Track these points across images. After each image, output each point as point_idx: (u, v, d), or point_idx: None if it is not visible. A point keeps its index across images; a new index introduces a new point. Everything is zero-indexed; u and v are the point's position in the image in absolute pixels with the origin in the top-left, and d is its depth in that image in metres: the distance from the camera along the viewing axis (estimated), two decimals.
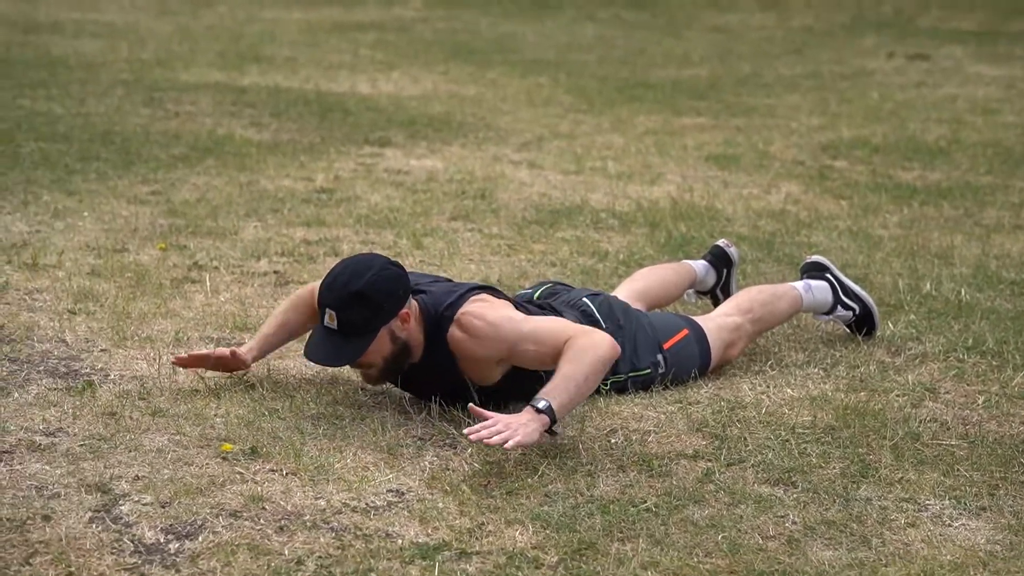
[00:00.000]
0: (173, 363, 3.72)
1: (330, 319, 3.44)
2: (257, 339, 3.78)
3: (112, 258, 4.96)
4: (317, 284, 3.65)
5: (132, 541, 2.84)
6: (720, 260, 4.60)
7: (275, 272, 4.91)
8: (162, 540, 2.85)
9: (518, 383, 3.59)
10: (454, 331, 3.53)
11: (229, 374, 3.75)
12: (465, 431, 3.22)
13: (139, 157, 6.87)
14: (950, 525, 3.07)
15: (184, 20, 13.52)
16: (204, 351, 3.73)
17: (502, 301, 3.65)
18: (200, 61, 10.73)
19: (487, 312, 3.54)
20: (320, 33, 13.08)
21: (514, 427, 3.19)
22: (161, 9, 14.47)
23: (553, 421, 3.27)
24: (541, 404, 3.26)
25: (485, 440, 3.16)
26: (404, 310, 3.49)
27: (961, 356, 4.18)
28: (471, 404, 3.30)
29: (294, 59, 11.18)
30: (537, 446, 3.34)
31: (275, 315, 3.83)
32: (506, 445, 3.15)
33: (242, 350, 3.73)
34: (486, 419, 3.22)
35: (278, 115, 8.37)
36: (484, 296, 3.62)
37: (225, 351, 3.70)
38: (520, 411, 3.27)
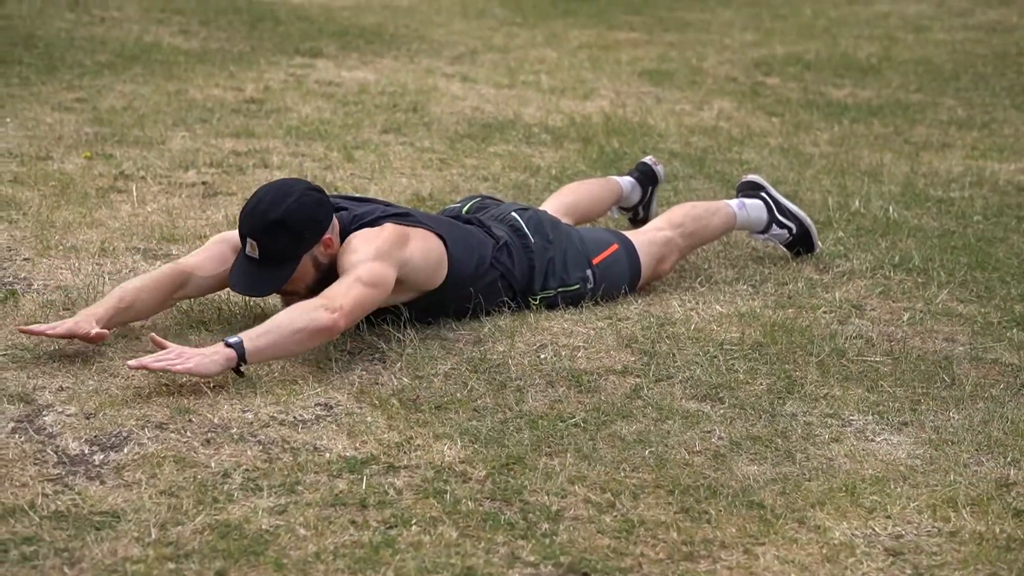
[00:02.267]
0: (20, 331, 3.26)
1: (251, 248, 3.38)
2: (105, 308, 3.33)
3: (35, 166, 4.86)
4: (183, 262, 3.51)
5: (56, 452, 2.81)
6: (647, 177, 4.60)
7: (203, 183, 4.84)
8: (86, 451, 2.82)
9: (440, 299, 3.56)
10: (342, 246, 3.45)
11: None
12: (128, 361, 3.05)
13: (63, 63, 6.71)
14: (872, 440, 3.12)
15: None
16: (44, 327, 3.23)
17: (397, 231, 3.47)
18: None
19: (359, 240, 3.41)
20: None
21: (187, 356, 3.05)
22: None
23: (242, 360, 3.10)
24: (233, 340, 3.11)
25: (147, 366, 3.01)
26: (327, 235, 3.44)
27: (887, 273, 4.22)
28: (151, 334, 3.16)
29: None
30: (470, 360, 3.34)
31: (125, 286, 3.42)
32: (172, 369, 3.01)
33: (84, 322, 3.24)
34: (163, 348, 3.07)
35: (207, 23, 8.21)
36: (386, 225, 3.48)
37: (77, 329, 3.23)
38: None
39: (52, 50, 6.99)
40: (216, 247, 3.54)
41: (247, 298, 3.67)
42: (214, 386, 3.16)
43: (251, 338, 3.13)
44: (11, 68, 6.47)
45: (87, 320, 3.25)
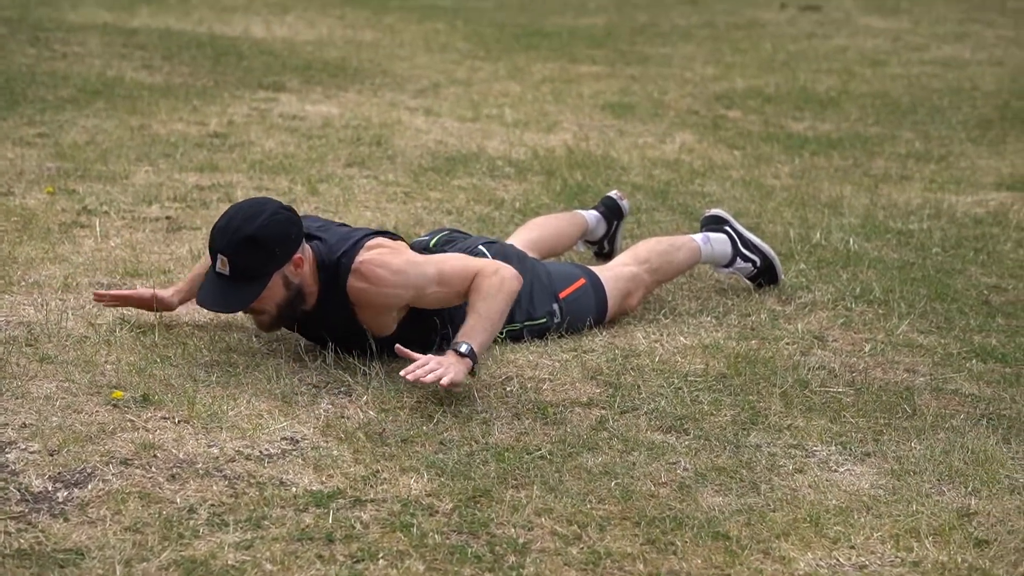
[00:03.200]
0: (94, 298, 3.73)
1: (222, 264, 3.39)
2: (186, 280, 3.78)
3: None
4: None
5: (19, 489, 2.79)
6: (612, 211, 4.63)
7: (167, 218, 4.83)
8: (50, 488, 2.81)
9: (412, 330, 3.58)
10: (353, 281, 3.47)
11: (154, 313, 3.77)
12: (401, 372, 3.27)
13: (25, 98, 6.69)
14: (836, 470, 3.14)
15: None
16: (125, 291, 3.74)
17: (399, 243, 3.62)
18: (88, 1, 10.47)
19: (390, 259, 3.50)
20: None
21: (445, 365, 3.27)
22: None
23: (475, 362, 3.33)
24: (463, 348, 3.34)
25: (421, 379, 3.22)
26: (297, 255, 3.45)
27: (849, 305, 4.26)
28: (397, 345, 3.37)
29: (186, 0, 10.95)
30: (435, 393, 3.36)
31: (205, 260, 3.71)
32: (442, 382, 3.23)
33: (167, 292, 3.74)
34: (414, 359, 3.28)
35: (170, 58, 8.21)
36: (380, 241, 3.57)
37: (147, 292, 3.72)
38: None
39: (13, 85, 6.97)
40: None
41: (212, 329, 3.66)
42: (179, 421, 3.15)
43: (472, 339, 3.35)
44: None
45: (169, 292, 3.71)
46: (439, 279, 3.49)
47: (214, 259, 3.40)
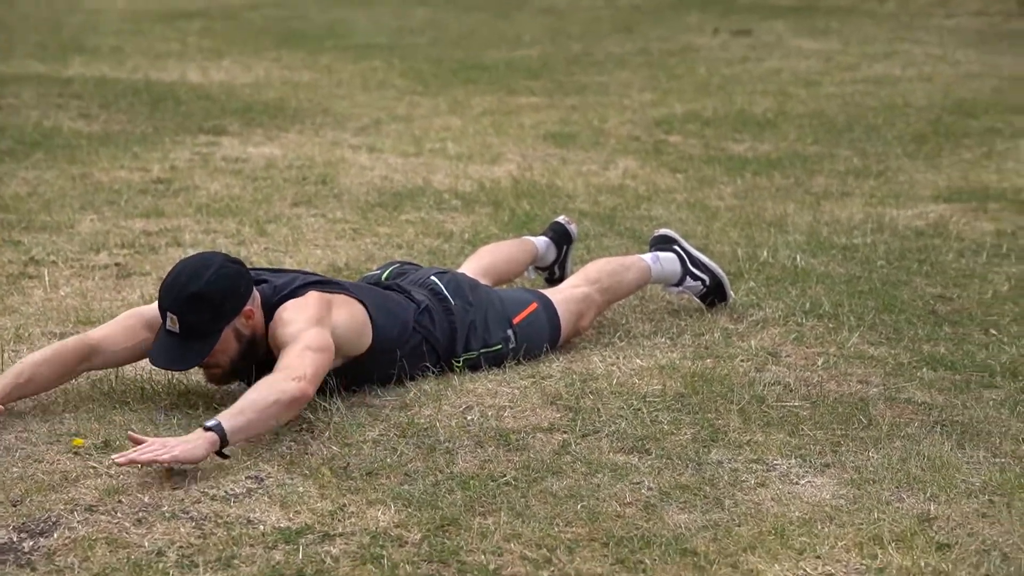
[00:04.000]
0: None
1: (172, 323, 3.38)
2: (4, 384, 3.38)
3: None
4: (89, 335, 3.52)
5: None
6: (561, 237, 4.67)
7: (116, 264, 4.81)
8: (15, 539, 2.79)
9: (363, 364, 3.58)
10: (272, 322, 3.47)
11: None
12: (113, 456, 3.04)
13: None
14: (797, 483, 3.18)
15: None
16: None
17: (324, 298, 3.51)
18: (19, 52, 10.42)
19: (292, 311, 3.44)
20: (144, 22, 12.81)
21: (171, 445, 3.04)
22: None
23: (224, 442, 3.10)
24: (211, 423, 3.10)
25: (135, 460, 2.99)
26: (248, 307, 3.45)
27: (800, 320, 4.32)
28: (129, 431, 3.17)
29: (120, 49, 10.93)
30: (397, 425, 3.36)
31: (26, 361, 3.46)
32: (161, 458, 3.00)
33: None
34: (141, 443, 3.05)
35: (107, 106, 8.18)
36: (312, 293, 3.51)
37: None
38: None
39: None
40: (126, 320, 3.56)
41: (169, 374, 3.65)
42: (141, 465, 3.13)
43: (228, 419, 3.12)
44: None
45: None
46: (286, 348, 3.35)
47: (164, 317, 3.40)
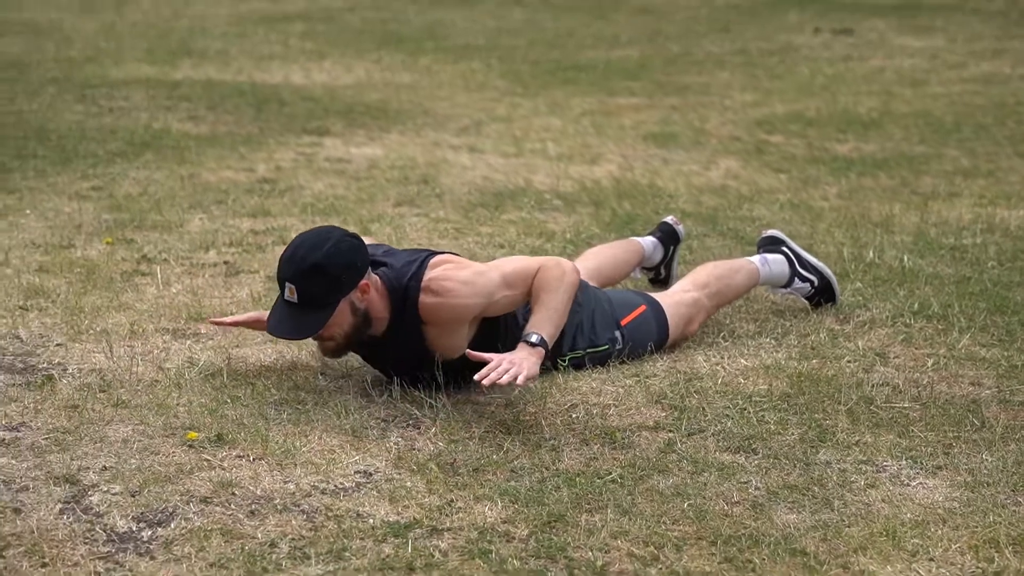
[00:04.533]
0: (210, 321, 3.91)
1: (290, 293, 3.45)
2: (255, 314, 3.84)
3: (59, 254, 4.92)
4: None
5: (104, 530, 2.83)
6: (668, 237, 4.65)
7: (225, 263, 4.89)
8: (134, 528, 2.85)
9: (480, 347, 3.61)
10: (425, 298, 3.52)
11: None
12: (475, 376, 3.29)
13: (76, 153, 6.80)
14: (908, 484, 3.14)
15: (109, 17, 13.35)
16: (230, 317, 3.86)
17: (461, 258, 3.68)
18: (129, 57, 10.63)
19: (456, 273, 3.56)
20: (248, 25, 12.99)
21: (518, 362, 3.30)
22: (84, 7, 14.26)
23: (547, 351, 3.39)
24: (533, 338, 3.40)
25: (497, 382, 3.26)
26: (363, 281, 3.50)
27: (908, 321, 4.26)
28: (467, 350, 3.40)
29: (225, 52, 11.10)
30: (503, 422, 3.39)
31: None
32: (518, 381, 3.27)
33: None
34: (487, 361, 3.31)
35: (214, 108, 8.31)
36: (443, 258, 3.63)
37: (253, 316, 3.82)
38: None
39: (65, 142, 7.09)
40: None
41: (281, 369, 3.71)
42: (254, 458, 3.19)
43: (542, 328, 3.43)
44: (27, 161, 6.56)
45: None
46: (505, 282, 3.55)
47: (282, 288, 3.47)
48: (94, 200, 5.81)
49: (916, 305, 4.40)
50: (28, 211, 5.58)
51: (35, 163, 6.53)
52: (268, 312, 3.65)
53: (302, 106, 8.44)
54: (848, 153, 7.06)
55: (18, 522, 2.85)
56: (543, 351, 3.40)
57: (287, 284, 3.45)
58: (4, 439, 3.27)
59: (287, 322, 3.47)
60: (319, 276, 3.42)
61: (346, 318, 3.49)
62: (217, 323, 3.84)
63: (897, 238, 5.30)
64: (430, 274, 3.55)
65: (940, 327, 4.21)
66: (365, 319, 3.53)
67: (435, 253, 3.66)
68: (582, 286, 3.96)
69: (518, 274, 3.56)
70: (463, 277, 3.55)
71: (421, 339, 3.56)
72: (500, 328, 3.65)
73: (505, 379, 3.26)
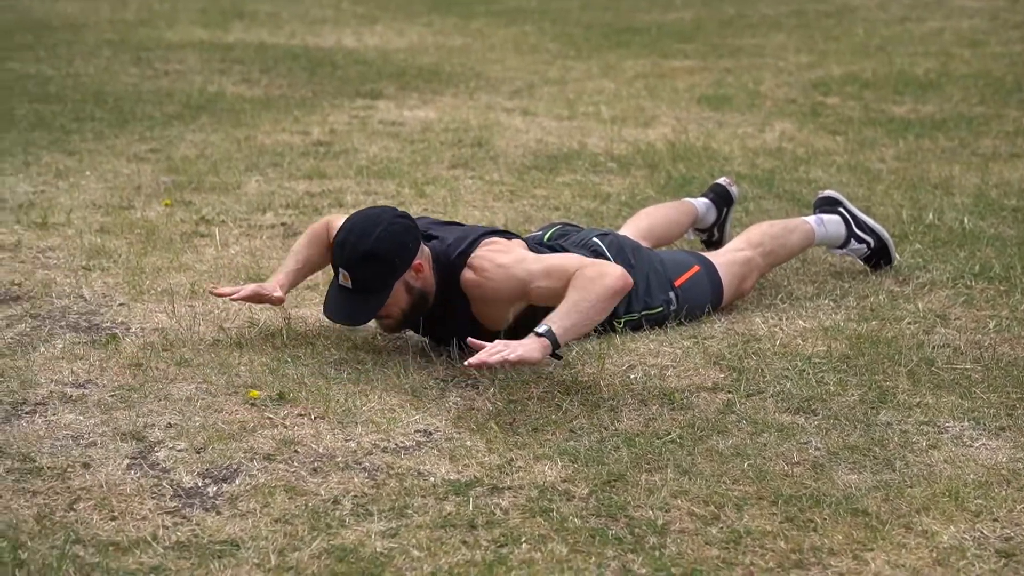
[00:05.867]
0: (211, 292, 3.80)
1: (344, 279, 3.47)
2: (285, 274, 3.79)
3: (120, 215, 4.98)
4: (331, 218, 3.77)
5: (171, 486, 2.87)
6: (721, 198, 4.63)
7: (282, 224, 4.93)
8: (200, 484, 2.89)
9: (526, 327, 3.62)
10: (467, 274, 3.55)
11: (265, 307, 3.87)
12: (466, 362, 3.22)
13: (133, 116, 6.86)
14: (971, 446, 3.12)
15: None
16: (231, 288, 3.73)
17: (515, 242, 3.67)
18: (183, 19, 10.69)
19: (498, 255, 3.57)
20: None
21: (513, 346, 3.22)
22: None
23: (555, 345, 3.28)
24: (541, 328, 3.29)
25: (486, 363, 3.17)
26: (417, 260, 3.51)
27: (969, 282, 4.23)
28: (469, 338, 3.32)
29: (276, 15, 11.14)
30: (561, 382, 3.39)
31: (296, 251, 3.84)
32: (508, 356, 3.17)
33: (269, 285, 3.72)
34: (482, 347, 3.24)
35: (267, 71, 8.35)
36: (496, 240, 3.65)
37: (254, 289, 3.70)
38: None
39: (122, 104, 7.15)
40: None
41: (338, 327, 3.74)
42: (315, 417, 3.22)
43: (556, 322, 3.31)
44: (85, 124, 6.62)
45: (272, 284, 3.71)
46: (546, 274, 3.49)
47: (337, 273, 3.49)
48: (152, 162, 5.86)
49: (977, 267, 4.36)
50: (88, 172, 5.64)
51: (93, 125, 6.59)
52: (268, 285, 3.70)
53: (355, 69, 8.46)
54: (905, 115, 6.99)
55: (87, 476, 2.90)
56: (548, 342, 3.26)
57: (341, 270, 3.47)
58: (72, 396, 3.32)
59: (343, 307, 3.49)
60: (372, 262, 3.44)
61: (402, 298, 3.51)
62: (217, 294, 3.73)
63: (957, 199, 5.25)
64: (477, 252, 3.57)
65: (1002, 288, 4.18)
66: (421, 297, 3.55)
67: (493, 232, 3.66)
68: (635, 248, 3.95)
69: (560, 268, 3.48)
70: (501, 260, 3.54)
71: (468, 311, 3.58)
72: (537, 320, 3.63)
73: (494, 359, 3.17)
